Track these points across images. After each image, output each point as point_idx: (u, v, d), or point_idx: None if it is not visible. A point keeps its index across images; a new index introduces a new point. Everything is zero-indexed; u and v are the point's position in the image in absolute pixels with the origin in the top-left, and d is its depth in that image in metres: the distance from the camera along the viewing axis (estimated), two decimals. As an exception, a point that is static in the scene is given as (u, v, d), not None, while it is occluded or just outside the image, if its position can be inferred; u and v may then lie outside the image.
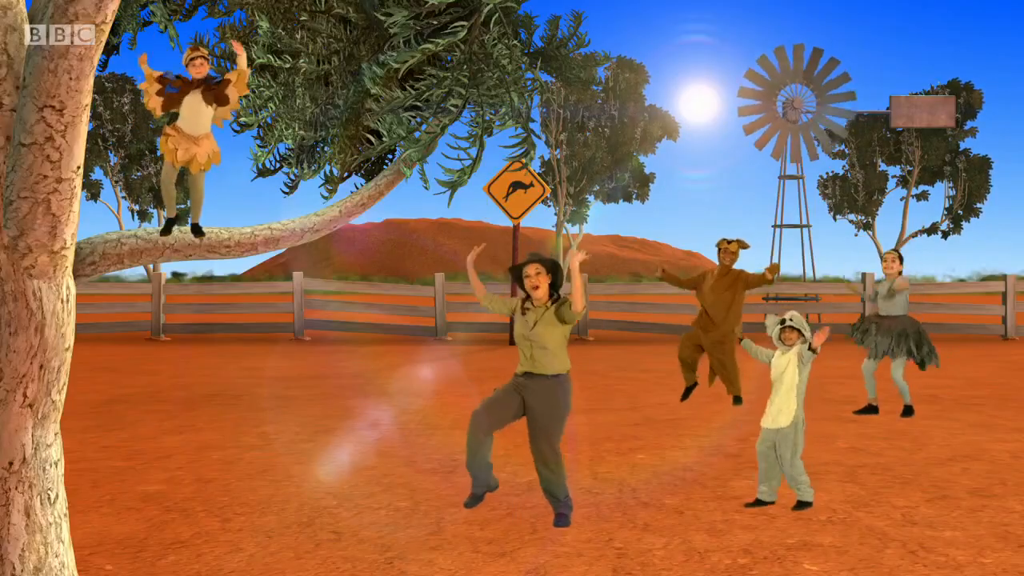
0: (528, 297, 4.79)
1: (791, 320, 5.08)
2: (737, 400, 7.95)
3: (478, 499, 4.85)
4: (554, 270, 4.75)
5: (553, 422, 4.67)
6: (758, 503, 5.18)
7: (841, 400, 9.48)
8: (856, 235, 31.62)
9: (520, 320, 4.76)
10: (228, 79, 3.72)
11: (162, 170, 3.83)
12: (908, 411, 8.38)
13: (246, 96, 4.13)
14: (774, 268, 7.52)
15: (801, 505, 5.10)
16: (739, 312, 7.79)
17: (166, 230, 3.69)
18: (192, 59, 3.66)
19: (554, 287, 4.77)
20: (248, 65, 4.05)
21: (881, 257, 7.78)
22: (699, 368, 8.21)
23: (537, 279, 4.70)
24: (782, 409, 5.10)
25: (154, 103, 3.62)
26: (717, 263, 7.88)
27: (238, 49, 3.76)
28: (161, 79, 3.64)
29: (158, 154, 27.80)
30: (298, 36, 4.10)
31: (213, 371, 12.88)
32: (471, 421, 4.72)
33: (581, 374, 12.47)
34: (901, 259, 8.44)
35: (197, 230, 3.75)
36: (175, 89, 3.64)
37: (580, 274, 4.73)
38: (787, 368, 5.10)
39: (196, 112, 3.68)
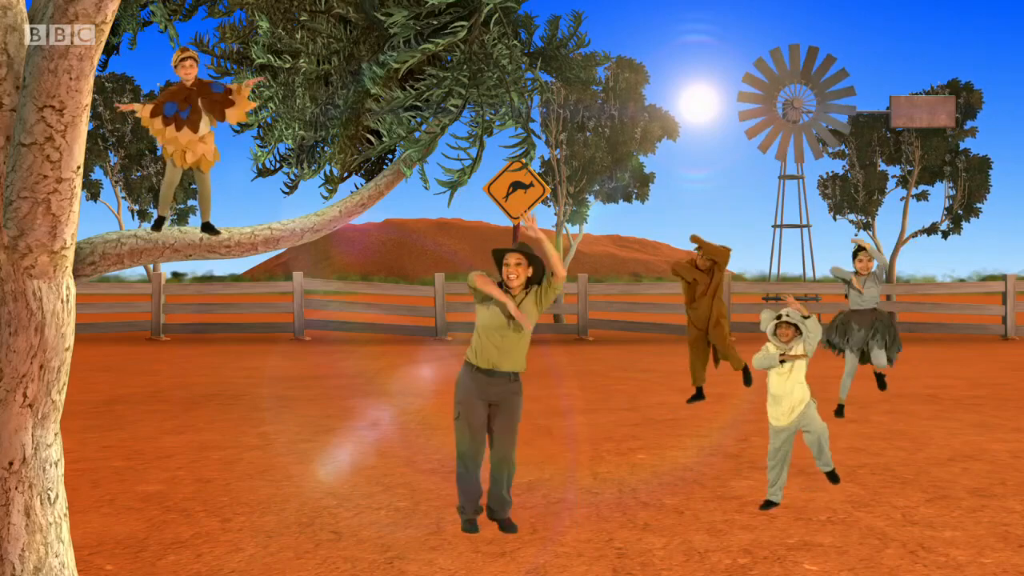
0: (502, 283, 4.67)
1: (787, 316, 4.93)
2: (747, 375, 7.86)
3: (474, 523, 4.71)
4: (535, 265, 4.65)
5: (516, 422, 4.68)
6: (769, 504, 5.10)
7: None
8: (856, 235, 31.64)
9: (494, 307, 4.59)
10: (229, 90, 3.76)
11: (166, 174, 3.85)
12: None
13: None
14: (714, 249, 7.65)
15: (833, 478, 5.28)
16: (722, 292, 7.84)
17: (158, 227, 3.71)
18: (182, 60, 3.68)
19: (533, 282, 4.67)
20: (248, 65, 4.06)
21: (857, 256, 7.67)
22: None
23: (516, 269, 4.59)
24: (796, 400, 4.99)
25: (158, 127, 3.67)
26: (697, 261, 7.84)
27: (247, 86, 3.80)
28: (155, 109, 3.67)
29: (158, 153, 27.78)
30: (298, 36, 4.10)
31: (213, 371, 12.88)
32: (460, 462, 4.63)
33: (581, 374, 12.47)
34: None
35: (211, 228, 3.79)
36: (173, 105, 3.67)
37: (547, 241, 4.58)
38: (795, 367, 4.97)
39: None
